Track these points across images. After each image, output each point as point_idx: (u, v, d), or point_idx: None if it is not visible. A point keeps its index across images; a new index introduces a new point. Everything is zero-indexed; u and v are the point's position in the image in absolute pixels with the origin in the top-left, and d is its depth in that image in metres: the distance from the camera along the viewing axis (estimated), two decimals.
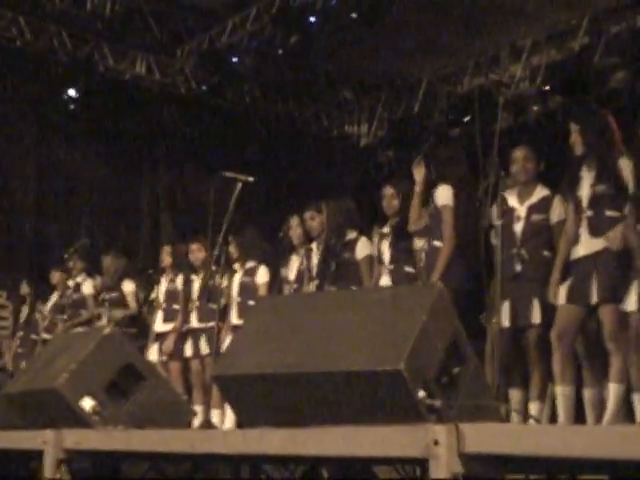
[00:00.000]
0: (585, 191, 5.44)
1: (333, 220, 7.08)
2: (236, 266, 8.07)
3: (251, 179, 6.59)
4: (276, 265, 7.91)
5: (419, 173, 6.40)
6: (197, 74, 11.32)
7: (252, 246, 7.99)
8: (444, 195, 6.10)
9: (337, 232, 7.04)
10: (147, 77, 11.47)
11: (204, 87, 11.20)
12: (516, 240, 5.74)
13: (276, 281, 7.85)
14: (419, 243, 6.49)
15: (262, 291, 7.85)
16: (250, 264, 7.96)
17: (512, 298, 5.63)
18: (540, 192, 5.85)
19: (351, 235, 7.06)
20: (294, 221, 7.70)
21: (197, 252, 8.32)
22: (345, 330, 3.26)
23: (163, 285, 8.69)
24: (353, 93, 12.75)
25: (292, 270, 7.63)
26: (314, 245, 7.36)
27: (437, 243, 6.11)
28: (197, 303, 8.25)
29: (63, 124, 11.41)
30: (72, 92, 10.95)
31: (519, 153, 5.89)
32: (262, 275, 7.90)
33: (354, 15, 9.14)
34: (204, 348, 8.08)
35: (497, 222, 5.23)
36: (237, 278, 7.97)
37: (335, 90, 12.56)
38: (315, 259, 7.28)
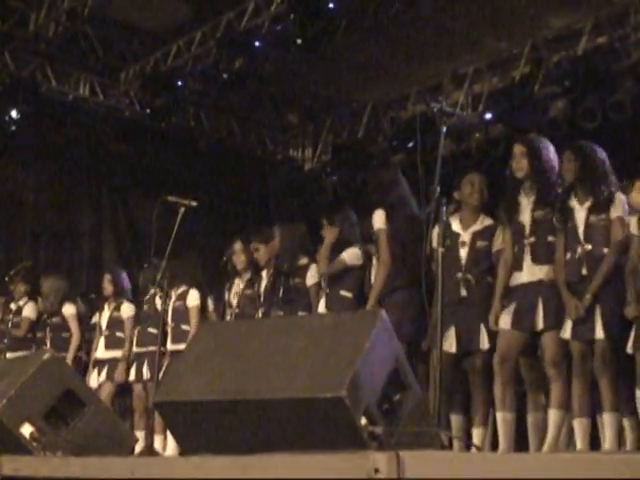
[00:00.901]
0: (526, 217, 5.51)
1: (286, 244, 7.09)
2: (172, 291, 8.08)
3: (194, 203, 6.59)
4: (209, 289, 7.99)
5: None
6: (141, 97, 11.26)
7: (183, 271, 8.01)
8: (378, 219, 6.16)
9: (289, 257, 7.05)
10: (90, 99, 11.38)
11: (148, 110, 11.14)
12: (461, 265, 5.79)
13: (206, 305, 7.91)
14: None
15: (193, 314, 7.88)
16: (181, 288, 7.99)
17: (458, 323, 5.67)
18: (484, 221, 5.91)
19: (303, 261, 7.08)
20: (237, 246, 7.71)
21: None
22: (287, 357, 3.26)
23: (106, 312, 8.66)
24: (298, 117, 12.79)
25: (235, 295, 7.63)
26: (264, 273, 7.37)
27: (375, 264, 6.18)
28: (139, 328, 8.27)
29: (4, 145, 11.28)
30: (14, 113, 10.83)
31: (475, 178, 5.94)
32: (193, 299, 7.94)
33: (299, 41, 9.18)
34: (146, 373, 8.06)
35: (439, 248, 5.26)
36: (171, 303, 7.99)
37: (280, 114, 12.59)
38: (263, 285, 7.29)
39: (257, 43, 9.78)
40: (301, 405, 3.11)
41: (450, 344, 5.58)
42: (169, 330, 7.90)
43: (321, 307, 6.68)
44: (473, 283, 5.75)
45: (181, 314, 7.89)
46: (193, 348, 3.75)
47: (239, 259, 7.69)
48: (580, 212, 5.31)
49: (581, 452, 5.07)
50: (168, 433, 7.20)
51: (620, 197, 5.25)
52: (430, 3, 8.52)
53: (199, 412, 3.38)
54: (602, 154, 5.39)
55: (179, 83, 10.80)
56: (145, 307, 8.28)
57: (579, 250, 5.25)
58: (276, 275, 7.13)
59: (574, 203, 5.35)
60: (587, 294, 5.15)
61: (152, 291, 8.20)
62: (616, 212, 5.21)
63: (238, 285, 7.69)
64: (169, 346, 7.84)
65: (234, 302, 7.61)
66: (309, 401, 3.08)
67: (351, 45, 9.79)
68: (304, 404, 3.10)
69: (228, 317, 7.63)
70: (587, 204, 5.30)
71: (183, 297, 7.97)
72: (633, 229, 5.13)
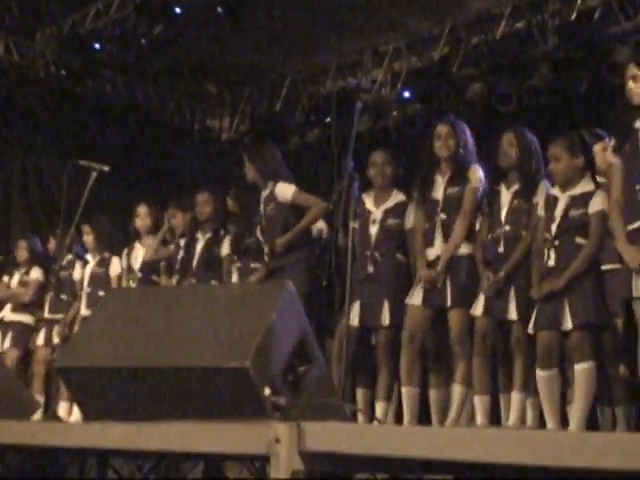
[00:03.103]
0: (439, 194, 5.60)
1: (216, 215, 7.04)
2: (88, 256, 7.95)
3: (106, 168, 6.51)
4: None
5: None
6: (57, 58, 11.04)
7: (108, 237, 7.90)
8: (287, 188, 6.18)
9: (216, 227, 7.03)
10: (5, 58, 11.11)
11: (64, 72, 10.93)
12: (370, 242, 5.84)
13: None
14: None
15: (115, 282, 7.77)
16: (104, 255, 7.88)
17: (363, 299, 5.73)
18: (396, 197, 5.97)
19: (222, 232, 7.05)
20: (142, 209, 7.61)
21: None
22: (193, 326, 3.25)
23: (16, 276, 8.53)
24: (216, 87, 12.69)
25: (137, 259, 7.54)
26: (181, 241, 7.31)
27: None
28: (51, 294, 8.14)
29: None
30: None
31: (378, 157, 5.99)
32: (115, 267, 7.82)
33: (220, 9, 9.09)
34: (55, 339, 7.97)
35: (353, 224, 5.30)
36: (89, 268, 7.87)
37: (198, 83, 12.47)
38: (181, 253, 7.23)
39: (177, 10, 9.66)
40: (205, 374, 3.11)
41: (353, 318, 5.64)
42: (83, 295, 7.78)
43: (234, 278, 6.70)
44: (380, 260, 5.80)
45: (100, 280, 7.77)
46: (98, 314, 3.72)
47: (144, 223, 7.60)
48: (506, 195, 5.42)
49: (481, 427, 5.18)
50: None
51: (544, 184, 5.38)
52: None
53: (102, 378, 3.36)
54: (536, 141, 5.51)
55: (97, 46, 10.62)
56: (62, 274, 8.13)
57: (498, 230, 5.36)
58: (189, 243, 7.08)
59: (502, 187, 5.45)
60: (502, 271, 5.26)
61: (69, 257, 8.08)
62: (537, 198, 5.32)
63: (139, 249, 7.59)
64: (83, 312, 7.72)
65: (135, 267, 7.52)
66: (213, 370, 3.09)
67: (272, 16, 9.74)
68: (208, 373, 3.10)
69: (130, 283, 7.54)
70: (513, 189, 5.42)
71: (105, 264, 7.83)
72: (540, 211, 5.24)
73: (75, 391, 3.58)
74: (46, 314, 8.14)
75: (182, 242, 7.30)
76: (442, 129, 5.65)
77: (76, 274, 7.94)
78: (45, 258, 8.56)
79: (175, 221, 7.45)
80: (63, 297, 7.92)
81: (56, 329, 7.95)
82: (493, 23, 9.85)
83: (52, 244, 8.51)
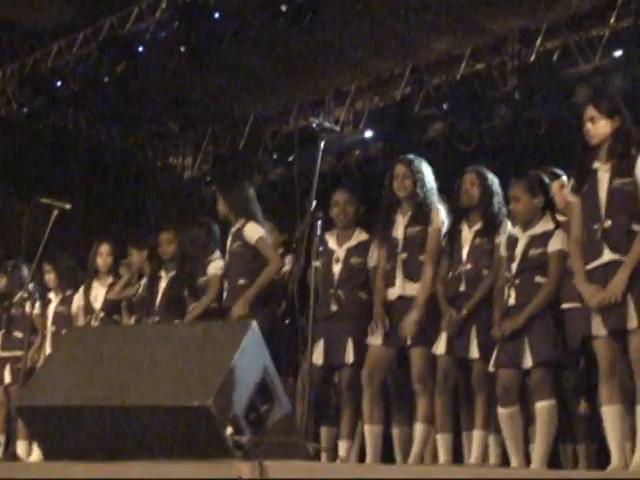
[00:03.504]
0: (399, 233, 5.63)
1: (179, 254, 7.00)
2: (51, 295, 7.89)
3: (68, 206, 6.48)
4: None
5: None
6: (19, 96, 11.01)
7: (70, 274, 7.85)
8: (255, 230, 6.19)
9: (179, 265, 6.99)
10: None
11: (25, 109, 10.91)
12: (334, 281, 5.85)
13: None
14: None
15: (74, 320, 7.71)
16: (67, 293, 7.82)
17: (327, 337, 5.73)
18: (358, 236, 5.99)
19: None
20: (104, 248, 7.56)
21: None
22: (155, 364, 3.24)
23: None
24: (179, 125, 12.72)
25: (97, 298, 7.49)
26: (142, 281, 7.27)
27: (242, 281, 6.16)
28: (3, 331, 8.06)
29: None
30: None
31: (339, 196, 6.02)
32: (76, 304, 7.75)
33: (182, 48, 9.14)
34: (8, 377, 7.87)
35: (315, 263, 5.30)
36: (52, 307, 7.81)
37: (161, 121, 12.50)
38: (140, 291, 7.20)
39: (140, 48, 9.69)
40: (167, 413, 3.10)
41: (317, 357, 5.63)
42: (48, 334, 7.70)
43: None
44: (344, 299, 5.82)
45: (64, 319, 7.69)
46: (59, 353, 3.70)
47: (105, 262, 7.56)
48: (467, 234, 5.46)
49: (444, 465, 5.18)
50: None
51: (507, 224, 5.43)
52: (316, 21, 8.58)
53: (63, 417, 3.33)
54: (496, 181, 5.57)
55: (58, 84, 10.61)
56: (12, 311, 8.06)
57: (460, 269, 5.39)
58: (151, 282, 7.05)
59: (464, 226, 5.50)
60: (464, 309, 5.29)
61: (20, 294, 8.01)
62: (500, 237, 5.37)
63: (97, 288, 7.54)
64: (48, 351, 7.62)
65: (95, 306, 7.47)
66: (175, 409, 3.07)
67: (235, 56, 9.80)
68: (170, 412, 3.09)
69: (92, 322, 7.47)
70: (475, 227, 5.47)
71: (68, 302, 7.76)
72: (502, 250, 5.29)
73: (35, 430, 3.55)
74: None
75: (142, 281, 7.27)
76: (399, 169, 5.70)
77: (28, 310, 7.83)
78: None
79: (131, 259, 7.43)
80: (15, 334, 7.85)
81: (8, 367, 7.86)
82: (454, 64, 10.00)
83: (2, 281, 8.41)
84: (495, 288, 5.30)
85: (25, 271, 8.01)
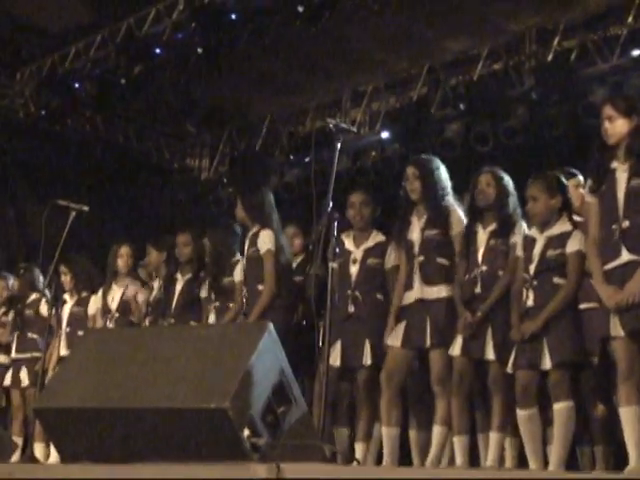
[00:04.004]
0: (415, 236, 5.61)
1: (196, 256, 7.01)
2: (66, 296, 7.91)
3: (85, 208, 6.50)
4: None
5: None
6: (36, 98, 11.06)
7: (86, 276, 7.86)
8: (268, 239, 6.17)
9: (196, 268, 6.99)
10: None
11: (43, 112, 10.95)
12: (351, 282, 5.84)
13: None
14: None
15: (91, 322, 7.72)
16: (82, 294, 7.83)
17: (344, 338, 5.72)
18: (376, 237, 5.98)
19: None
20: (125, 250, 7.57)
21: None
22: (172, 366, 3.24)
23: None
24: (196, 127, 12.73)
25: (114, 300, 7.50)
26: (155, 283, 7.28)
27: (261, 287, 6.15)
28: (18, 333, 8.08)
29: None
30: None
31: (356, 198, 6.00)
32: (92, 306, 7.76)
33: (199, 50, 9.15)
34: (24, 379, 7.89)
35: (332, 264, 5.28)
36: (67, 308, 7.82)
37: (178, 123, 12.51)
38: (154, 294, 7.21)
39: (157, 50, 9.71)
40: (184, 415, 3.09)
41: (335, 358, 5.62)
42: (63, 335, 7.72)
43: (212, 318, 6.67)
44: (361, 300, 5.81)
45: (79, 320, 7.71)
46: (76, 355, 3.70)
47: (125, 263, 7.56)
48: (482, 235, 5.44)
49: (460, 468, 5.16)
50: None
51: (521, 224, 5.40)
52: (332, 21, 8.58)
53: (80, 420, 3.34)
54: (512, 182, 5.54)
55: (76, 86, 10.64)
56: (27, 312, 8.08)
57: (475, 271, 5.37)
58: (167, 284, 7.06)
59: (478, 227, 5.47)
60: (479, 311, 5.27)
61: (34, 296, 8.04)
62: (515, 238, 5.35)
63: (116, 290, 7.55)
64: (63, 352, 7.64)
65: (112, 307, 7.48)
66: (192, 411, 3.07)
67: (252, 57, 9.81)
68: (187, 414, 3.09)
69: (108, 323, 7.48)
70: (490, 228, 5.43)
71: (83, 304, 7.78)
72: (519, 251, 5.27)
73: (53, 432, 3.56)
74: (13, 354, 8.09)
75: (156, 283, 7.28)
76: (408, 171, 5.68)
77: (45, 312, 7.86)
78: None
79: (149, 258, 7.43)
80: (30, 335, 7.88)
81: (25, 369, 7.89)
82: (471, 64, 9.97)
83: (15, 283, 8.45)
84: (512, 289, 5.27)
85: (38, 273, 8.06)
